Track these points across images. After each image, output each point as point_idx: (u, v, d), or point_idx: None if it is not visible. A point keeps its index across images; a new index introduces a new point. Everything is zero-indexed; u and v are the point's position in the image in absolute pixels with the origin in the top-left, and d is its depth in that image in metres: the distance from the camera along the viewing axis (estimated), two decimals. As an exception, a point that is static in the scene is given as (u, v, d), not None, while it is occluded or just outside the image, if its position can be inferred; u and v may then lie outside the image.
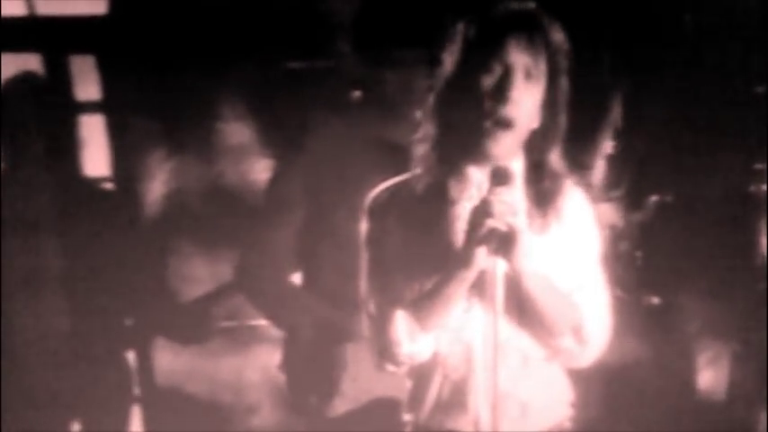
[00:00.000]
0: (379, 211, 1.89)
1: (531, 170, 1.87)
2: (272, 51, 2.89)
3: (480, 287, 1.82)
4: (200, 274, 3.03)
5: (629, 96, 2.82)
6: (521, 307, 1.84)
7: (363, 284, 1.91)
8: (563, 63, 1.84)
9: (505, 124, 1.79)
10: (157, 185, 2.99)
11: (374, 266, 1.90)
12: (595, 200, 1.98)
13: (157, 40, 2.88)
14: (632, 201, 2.82)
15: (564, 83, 1.85)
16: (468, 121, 1.82)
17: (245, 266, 2.92)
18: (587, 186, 1.96)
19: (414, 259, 1.85)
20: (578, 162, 1.94)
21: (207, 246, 3.01)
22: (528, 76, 1.80)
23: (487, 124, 1.79)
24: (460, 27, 1.85)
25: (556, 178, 1.88)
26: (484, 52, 1.80)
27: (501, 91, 1.78)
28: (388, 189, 1.92)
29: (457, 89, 1.83)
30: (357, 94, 2.81)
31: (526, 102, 1.81)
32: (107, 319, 3.02)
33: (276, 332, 3.00)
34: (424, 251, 1.85)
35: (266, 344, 3.02)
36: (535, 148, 1.86)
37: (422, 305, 1.84)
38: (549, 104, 1.84)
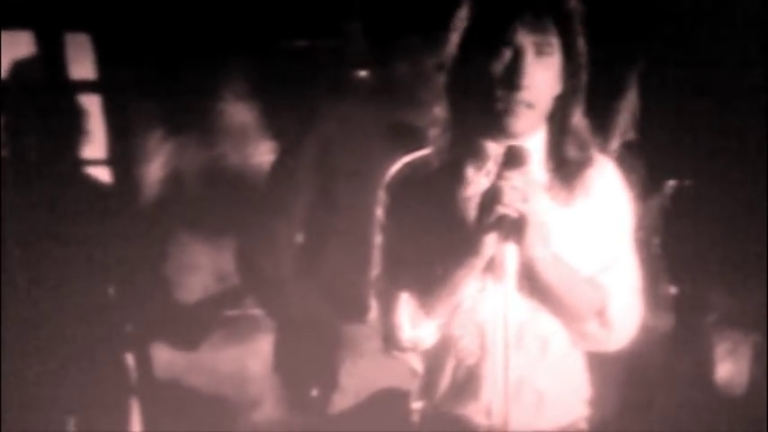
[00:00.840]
0: (396, 189, 1.84)
1: (555, 138, 1.80)
2: (275, 30, 2.85)
3: (493, 270, 1.75)
4: (200, 261, 2.99)
5: (647, 79, 2.75)
6: (538, 292, 1.77)
7: (373, 267, 1.86)
8: (577, 26, 1.76)
9: (524, 106, 1.73)
10: (156, 168, 2.94)
11: (386, 247, 1.85)
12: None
13: (156, 17, 2.82)
14: (650, 186, 2.73)
15: (581, 44, 1.76)
16: (481, 106, 1.75)
17: (246, 253, 2.83)
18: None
19: (425, 242, 1.79)
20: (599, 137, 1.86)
21: (207, 232, 2.96)
22: (540, 52, 1.73)
23: (501, 107, 1.72)
24: (465, 5, 1.78)
25: (582, 146, 1.80)
26: (488, 35, 1.73)
27: (512, 77, 1.71)
28: (405, 166, 1.86)
29: (466, 72, 1.76)
30: (363, 73, 2.74)
31: (542, 79, 1.73)
32: (103, 310, 2.97)
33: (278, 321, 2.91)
34: (437, 234, 1.79)
35: (269, 333, 2.92)
36: (557, 112, 1.78)
37: (428, 290, 1.78)
38: (568, 68, 1.76)
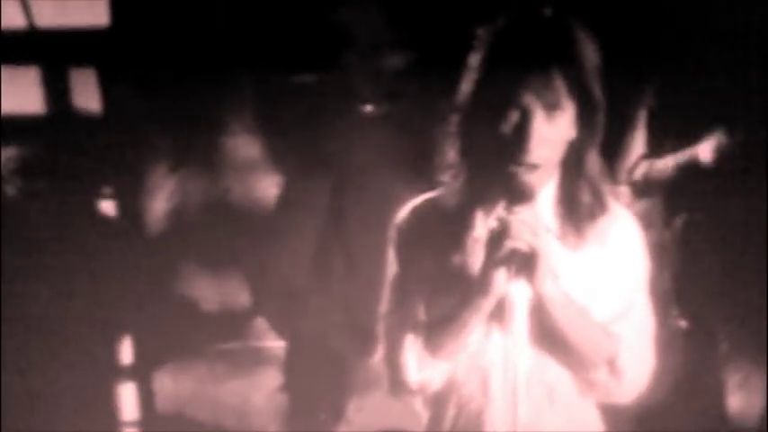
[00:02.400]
0: (405, 231, 1.80)
1: (567, 183, 1.74)
2: (280, 63, 2.83)
3: (500, 313, 1.71)
4: (205, 294, 2.98)
5: (657, 108, 2.72)
6: (547, 335, 1.72)
7: (382, 305, 1.82)
8: (594, 80, 1.68)
9: (530, 168, 1.66)
10: (161, 201, 2.93)
11: (394, 285, 1.81)
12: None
13: (161, 51, 2.83)
14: (660, 218, 2.73)
15: (597, 92, 1.69)
16: (491, 159, 1.70)
17: (259, 286, 2.87)
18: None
19: (434, 283, 1.75)
20: (609, 172, 1.80)
21: (212, 265, 2.96)
22: (551, 110, 1.65)
23: (510, 168, 1.66)
24: (475, 47, 1.71)
25: (596, 193, 1.74)
26: (495, 95, 1.66)
27: (520, 140, 1.64)
28: (416, 208, 1.82)
29: (476, 122, 1.70)
30: (368, 108, 2.76)
31: (552, 137, 1.66)
32: (106, 340, 2.98)
33: (282, 353, 2.95)
34: (446, 274, 1.75)
35: (272, 365, 2.96)
36: (571, 156, 1.72)
37: (435, 331, 1.74)
38: (583, 115, 1.69)
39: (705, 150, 2.65)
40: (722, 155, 2.64)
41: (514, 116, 1.65)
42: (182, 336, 2.99)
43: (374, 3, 2.75)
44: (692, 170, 2.67)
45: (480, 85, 1.68)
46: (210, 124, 2.88)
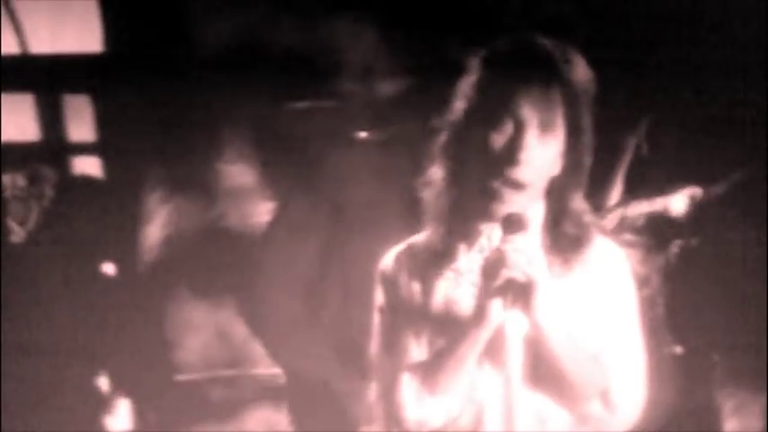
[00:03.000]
0: (390, 276, 1.79)
1: (551, 216, 1.74)
2: (274, 90, 2.82)
3: (495, 344, 1.68)
4: (200, 321, 2.94)
5: (649, 130, 2.73)
6: (541, 366, 1.70)
7: (372, 347, 1.80)
8: (586, 106, 1.68)
9: (516, 187, 1.66)
10: (155, 229, 2.91)
11: (384, 329, 1.79)
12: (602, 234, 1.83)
13: (155, 78, 2.80)
14: (654, 244, 2.72)
15: (587, 126, 1.69)
16: (475, 177, 1.69)
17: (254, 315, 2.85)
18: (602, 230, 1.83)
19: (425, 320, 1.74)
20: (592, 203, 1.81)
21: (207, 292, 2.92)
22: (544, 129, 1.66)
23: (496, 185, 1.66)
24: (468, 70, 1.71)
25: (580, 224, 1.74)
26: (491, 106, 1.66)
27: (511, 152, 1.64)
28: (399, 252, 1.81)
29: (464, 140, 1.70)
30: (363, 134, 2.75)
31: (542, 158, 1.66)
32: (101, 370, 2.96)
33: (278, 382, 2.93)
34: (436, 311, 1.74)
35: (268, 395, 2.93)
36: (555, 193, 1.73)
37: (431, 367, 1.71)
38: (571, 150, 1.69)
39: (678, 202, 2.67)
40: (696, 208, 2.66)
41: (509, 127, 1.64)
42: (173, 364, 2.96)
43: (368, 28, 2.75)
44: (663, 220, 2.68)
45: (475, 100, 1.68)
46: (205, 151, 2.87)
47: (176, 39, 2.84)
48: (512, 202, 1.66)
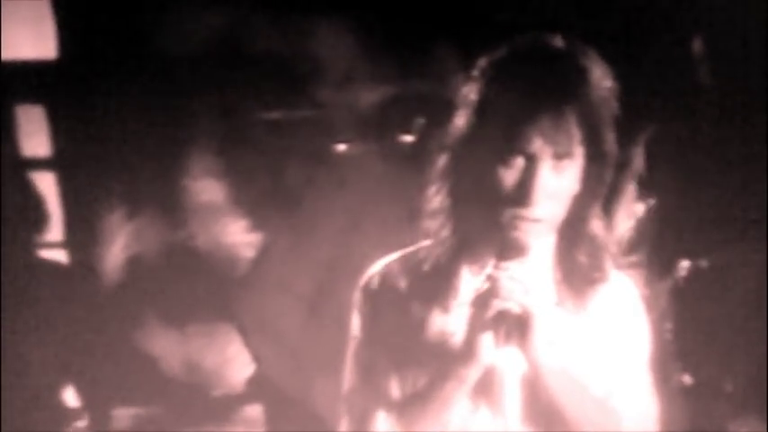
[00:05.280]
0: (375, 293, 1.65)
1: (565, 243, 1.60)
2: (247, 99, 2.71)
3: (488, 386, 1.56)
4: (167, 349, 2.81)
5: (655, 144, 2.61)
6: (540, 411, 1.58)
7: (346, 378, 1.67)
8: (607, 120, 1.53)
9: (530, 222, 1.52)
10: (117, 250, 2.78)
11: (360, 359, 1.65)
12: (616, 266, 1.71)
13: (114, 86, 2.68)
14: (660, 266, 2.60)
15: (610, 143, 1.55)
16: (484, 212, 1.55)
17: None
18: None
19: (408, 352, 1.61)
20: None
21: (174, 318, 2.79)
22: (559, 158, 1.50)
23: (505, 221, 1.52)
24: (471, 80, 1.55)
25: (596, 256, 1.61)
26: (497, 135, 1.51)
27: (522, 192, 1.50)
28: (388, 266, 1.66)
29: (468, 167, 1.55)
30: (341, 147, 2.64)
31: (557, 189, 1.52)
32: (62, 402, 2.81)
33: (253, 414, 2.82)
34: (423, 342, 1.61)
35: (241, 427, 2.82)
36: (571, 214, 1.58)
37: (410, 407, 1.59)
38: (591, 168, 1.55)
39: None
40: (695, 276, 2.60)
41: (519, 162, 1.50)
42: (143, 396, 2.83)
43: (350, 31, 2.63)
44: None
45: (477, 121, 1.54)
46: (170, 166, 2.74)
47: (138, 43, 2.70)
48: (529, 233, 1.52)
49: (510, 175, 1.50)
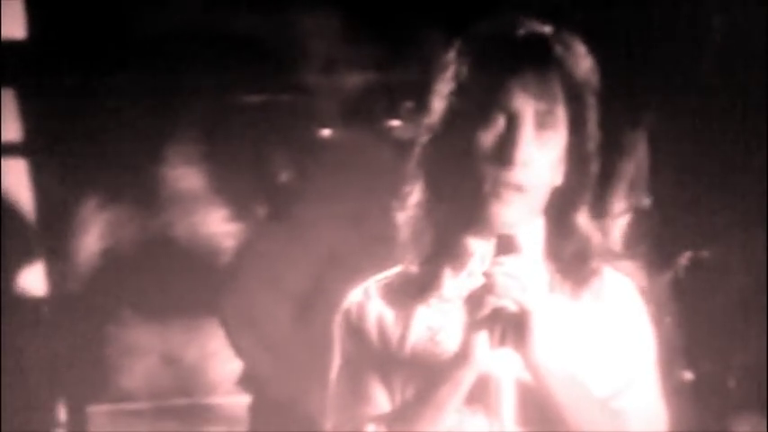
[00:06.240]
0: (356, 321, 1.58)
1: (553, 238, 1.54)
2: (226, 82, 2.68)
3: (483, 390, 1.48)
4: (145, 343, 2.77)
5: (655, 133, 2.57)
6: (540, 415, 1.49)
7: (330, 392, 1.59)
8: (590, 102, 1.50)
9: (513, 189, 1.47)
10: (92, 240, 2.73)
11: (345, 377, 1.58)
12: (615, 257, 1.66)
13: (88, 69, 2.63)
14: (660, 257, 2.55)
15: (592, 126, 1.50)
16: (463, 188, 1.49)
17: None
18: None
19: (397, 361, 1.53)
20: (594, 210, 1.64)
21: (153, 311, 2.75)
22: (541, 124, 1.46)
23: (487, 189, 1.46)
24: (449, 59, 1.51)
25: (586, 253, 1.54)
26: (479, 97, 1.46)
27: (504, 150, 1.44)
28: (368, 288, 1.59)
29: (446, 146, 1.50)
30: (326, 132, 2.60)
31: (541, 159, 1.46)
32: (37, 399, 2.75)
33: (236, 412, 2.76)
34: (412, 349, 1.53)
35: (224, 425, 2.77)
36: (556, 209, 1.53)
37: (401, 416, 1.51)
38: (574, 155, 1.50)
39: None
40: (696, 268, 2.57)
41: (500, 121, 1.45)
42: (121, 392, 2.78)
43: (333, 14, 2.60)
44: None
45: (457, 97, 1.49)
46: (147, 152, 2.69)
47: (113, 23, 2.65)
48: (512, 204, 1.46)
49: (491, 135, 1.45)
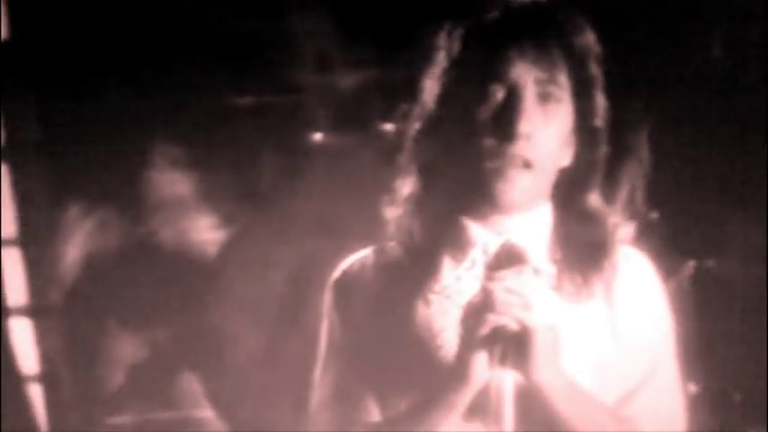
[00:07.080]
0: (343, 295, 1.52)
1: (562, 222, 1.49)
2: (215, 83, 2.60)
3: (484, 407, 1.43)
4: (130, 355, 2.70)
5: (659, 134, 2.45)
6: (542, 427, 1.44)
7: (314, 396, 1.53)
8: (594, 71, 1.45)
9: (518, 165, 1.42)
10: (73, 249, 2.66)
11: (331, 374, 1.51)
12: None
13: (70, 69, 2.56)
14: (664, 268, 2.44)
15: (599, 99, 1.46)
16: (462, 168, 1.44)
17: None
18: None
19: (387, 361, 1.48)
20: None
21: (137, 322, 2.67)
22: (544, 96, 1.41)
23: (489, 167, 1.41)
24: (444, 37, 1.47)
25: (598, 234, 1.50)
26: (475, 70, 1.41)
27: (505, 123, 1.39)
28: (358, 262, 1.53)
29: (441, 130, 1.46)
30: (318, 136, 2.55)
31: (544, 131, 1.41)
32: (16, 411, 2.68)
33: (223, 425, 2.69)
34: (403, 355, 1.47)
35: None
36: (565, 191, 1.49)
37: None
38: (582, 131, 1.46)
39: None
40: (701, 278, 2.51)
41: (500, 93, 1.40)
42: (106, 407, 2.72)
43: (327, 12, 2.55)
44: None
45: (449, 75, 1.46)
46: (132, 156, 2.62)
47: (96, 21, 2.57)
48: (516, 182, 1.41)
49: (490, 109, 1.39)
